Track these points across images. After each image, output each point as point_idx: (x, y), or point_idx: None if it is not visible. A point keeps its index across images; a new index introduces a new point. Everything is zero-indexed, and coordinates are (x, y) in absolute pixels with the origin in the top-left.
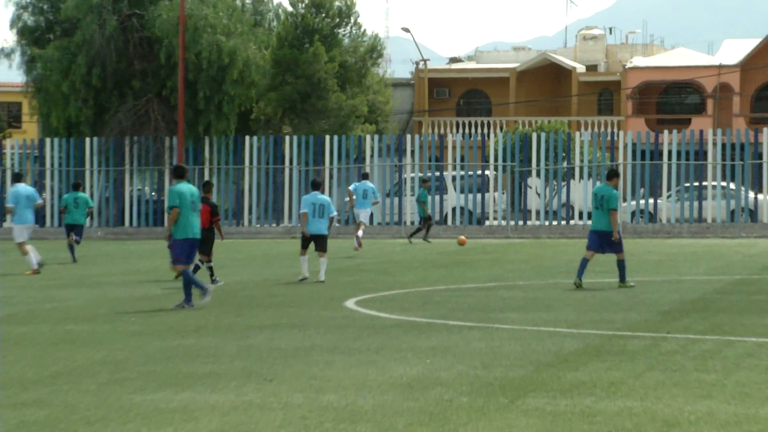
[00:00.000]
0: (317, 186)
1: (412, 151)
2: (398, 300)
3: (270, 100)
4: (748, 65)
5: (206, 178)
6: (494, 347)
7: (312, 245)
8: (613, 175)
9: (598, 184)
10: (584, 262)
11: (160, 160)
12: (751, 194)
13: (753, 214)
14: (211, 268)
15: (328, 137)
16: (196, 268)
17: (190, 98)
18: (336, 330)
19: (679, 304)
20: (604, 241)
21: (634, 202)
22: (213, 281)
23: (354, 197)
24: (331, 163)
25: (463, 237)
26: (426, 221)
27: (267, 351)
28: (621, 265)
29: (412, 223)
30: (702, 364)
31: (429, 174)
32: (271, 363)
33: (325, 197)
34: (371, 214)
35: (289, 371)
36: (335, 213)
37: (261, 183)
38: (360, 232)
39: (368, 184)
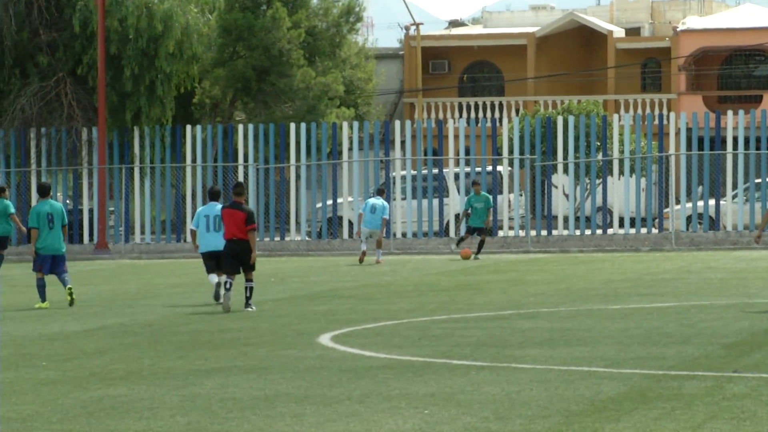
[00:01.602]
0: (215, 195)
1: (402, 142)
2: (386, 334)
3: (217, 79)
4: None
5: (136, 179)
6: (511, 393)
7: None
8: None
9: (643, 180)
10: None
11: (77, 158)
12: None
13: None
14: (250, 289)
15: (293, 126)
16: (227, 285)
17: (113, 78)
18: (306, 374)
19: (748, 335)
20: None
21: (689, 205)
22: (247, 305)
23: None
24: (298, 159)
25: (467, 248)
26: (480, 233)
27: (218, 402)
28: None
29: (404, 235)
30: None
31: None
32: (222, 417)
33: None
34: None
35: (246, 428)
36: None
37: (207, 186)
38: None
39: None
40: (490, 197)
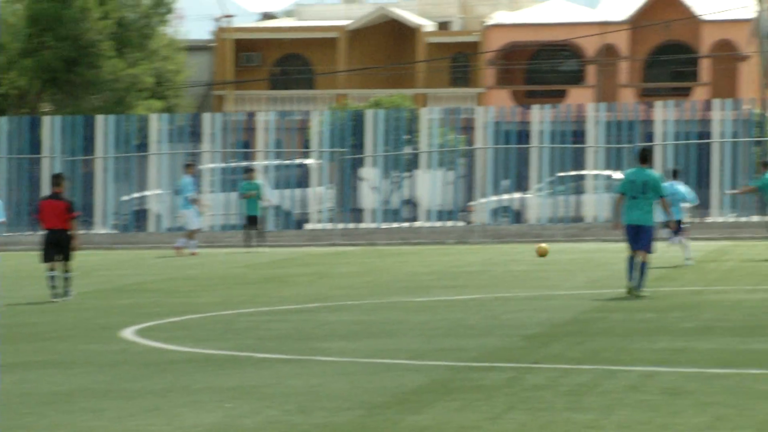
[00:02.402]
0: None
1: (212, 135)
2: (191, 328)
3: (24, 70)
4: (637, 22)
5: None
6: (315, 386)
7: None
8: (647, 157)
9: (450, 173)
10: (645, 267)
11: None
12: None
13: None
14: (67, 279)
15: (100, 117)
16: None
17: None
18: (108, 368)
19: (549, 327)
20: (639, 235)
21: (495, 198)
22: (66, 293)
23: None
24: (106, 151)
25: (544, 245)
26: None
27: (16, 397)
28: (644, 269)
29: (211, 227)
30: (575, 402)
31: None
32: (21, 414)
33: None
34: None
35: (44, 423)
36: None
37: (12, 179)
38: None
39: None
40: (261, 183)
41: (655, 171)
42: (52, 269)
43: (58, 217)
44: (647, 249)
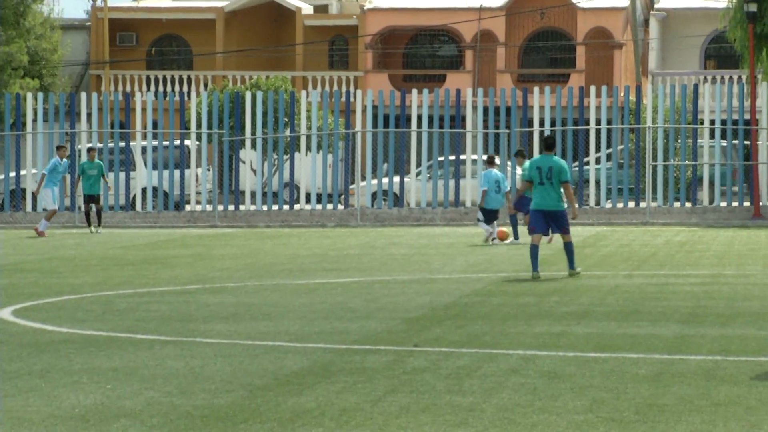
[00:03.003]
0: None
1: (89, 114)
2: (69, 308)
3: None
4: (515, 8)
5: None
6: (195, 367)
7: None
8: (553, 144)
9: (330, 156)
10: (535, 250)
11: None
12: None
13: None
14: None
15: None
16: None
17: None
18: None
19: (429, 310)
20: (550, 220)
21: (375, 181)
22: None
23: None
24: None
25: (503, 229)
26: (94, 201)
27: None
28: (570, 249)
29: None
30: (456, 384)
31: (163, 146)
32: None
33: None
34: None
35: None
36: None
37: None
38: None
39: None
40: (102, 163)
41: (559, 158)
42: None
43: None
44: (566, 230)
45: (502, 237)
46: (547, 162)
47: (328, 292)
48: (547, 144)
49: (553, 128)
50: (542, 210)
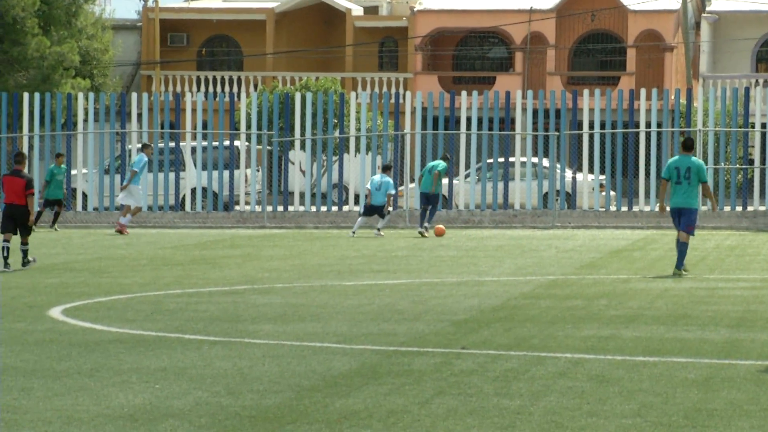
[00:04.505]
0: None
1: (139, 115)
2: (119, 308)
3: None
4: (565, 10)
5: None
6: (243, 368)
7: None
8: (692, 145)
9: (379, 158)
10: (682, 247)
11: None
12: (569, 173)
13: (571, 198)
14: (25, 251)
15: (26, 95)
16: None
17: None
18: (36, 347)
19: (477, 312)
20: (681, 216)
21: None
22: (24, 264)
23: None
24: (31, 129)
25: (440, 226)
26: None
27: None
28: (684, 249)
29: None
30: (504, 387)
31: (212, 147)
32: None
33: None
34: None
35: None
36: None
37: None
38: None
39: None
40: (66, 169)
41: (698, 159)
42: (6, 240)
43: (16, 192)
44: (687, 230)
45: (440, 233)
46: (686, 162)
47: (376, 293)
48: (686, 145)
49: (602, 131)
50: (677, 208)
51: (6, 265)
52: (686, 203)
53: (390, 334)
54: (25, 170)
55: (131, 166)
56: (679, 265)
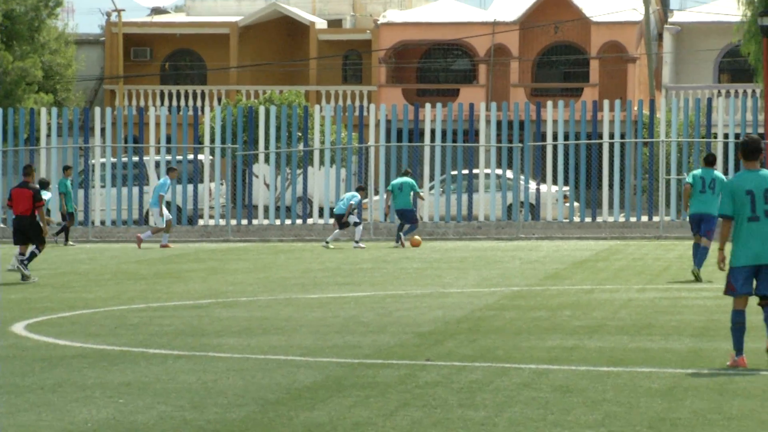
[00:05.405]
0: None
1: (103, 129)
2: (83, 323)
3: None
4: (528, 22)
5: None
6: (207, 382)
7: None
8: (714, 161)
9: (343, 171)
10: (705, 251)
11: None
12: (533, 185)
13: (535, 209)
14: (32, 254)
15: None
16: (32, 255)
17: None
18: None
19: (442, 324)
20: (701, 222)
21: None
22: (22, 264)
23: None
24: None
25: (417, 237)
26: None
27: None
28: (705, 253)
29: (102, 222)
30: (469, 399)
31: (176, 160)
32: None
33: None
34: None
35: None
36: None
37: None
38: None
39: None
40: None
41: (719, 172)
42: (21, 254)
43: (23, 204)
44: (707, 235)
45: (415, 244)
46: (710, 175)
47: (341, 306)
48: (708, 160)
49: (566, 142)
50: (698, 213)
51: (24, 277)
52: (709, 210)
53: (355, 346)
54: (33, 182)
55: (156, 190)
56: (699, 264)
